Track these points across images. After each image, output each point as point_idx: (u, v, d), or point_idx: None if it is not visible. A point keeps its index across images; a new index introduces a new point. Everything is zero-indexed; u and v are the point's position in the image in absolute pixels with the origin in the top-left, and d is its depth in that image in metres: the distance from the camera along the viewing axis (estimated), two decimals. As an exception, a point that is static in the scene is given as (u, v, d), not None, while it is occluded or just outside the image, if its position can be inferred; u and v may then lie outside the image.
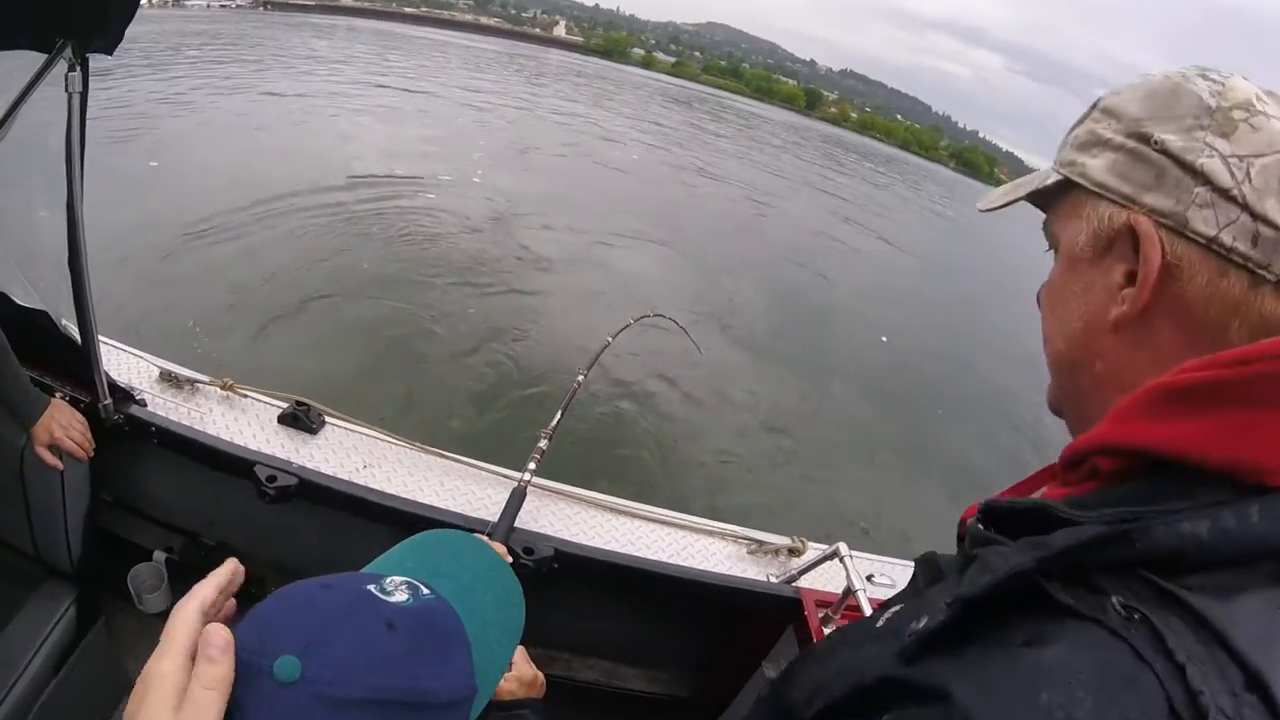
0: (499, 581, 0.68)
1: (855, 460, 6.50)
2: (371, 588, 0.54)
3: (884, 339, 9.71)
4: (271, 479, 1.63)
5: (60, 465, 1.53)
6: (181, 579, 2.09)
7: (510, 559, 1.45)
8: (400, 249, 7.77)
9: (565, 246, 9.33)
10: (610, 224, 10.88)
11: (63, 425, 1.52)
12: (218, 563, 1.81)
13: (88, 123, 1.34)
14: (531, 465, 1.72)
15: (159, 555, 2.06)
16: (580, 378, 1.98)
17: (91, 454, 1.58)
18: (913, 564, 1.92)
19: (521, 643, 1.14)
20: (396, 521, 1.66)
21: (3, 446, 1.54)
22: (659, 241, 10.78)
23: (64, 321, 1.60)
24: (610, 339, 2.15)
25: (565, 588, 1.77)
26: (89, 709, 1.73)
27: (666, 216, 12.51)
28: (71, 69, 1.26)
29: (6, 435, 1.53)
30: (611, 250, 9.83)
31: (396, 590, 0.55)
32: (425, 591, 0.58)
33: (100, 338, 1.62)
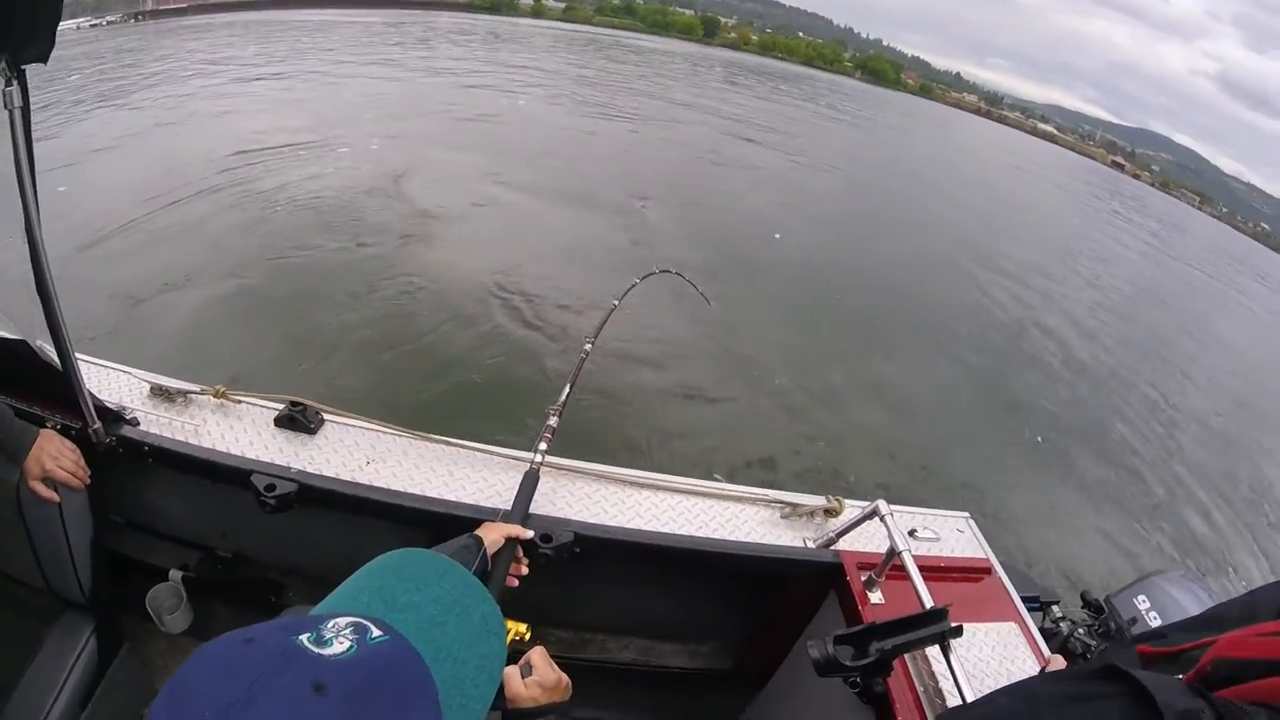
0: (473, 610, 0.60)
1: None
2: (303, 638, 0.46)
3: (777, 235, 11.27)
4: (270, 488, 1.56)
5: (56, 497, 1.48)
6: (201, 595, 2.05)
7: (526, 535, 1.38)
8: (306, 230, 7.69)
9: (465, 197, 9.50)
10: (515, 172, 10.89)
11: (53, 456, 1.46)
12: (236, 575, 1.77)
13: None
14: (542, 445, 1.63)
15: (175, 574, 2.02)
16: (587, 346, 1.88)
17: (87, 481, 1.53)
18: (962, 518, 1.77)
19: (551, 628, 1.06)
20: (405, 518, 1.60)
21: None
22: (554, 184, 10.88)
23: (45, 348, 1.53)
24: (616, 301, 2.04)
25: (592, 569, 1.70)
26: None
27: (571, 159, 12.75)
28: (9, 84, 1.18)
29: (0, 473, 1.47)
30: (516, 195, 9.97)
31: (337, 638, 0.47)
32: (375, 634, 0.49)
33: (85, 358, 1.57)
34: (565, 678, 1.04)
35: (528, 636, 1.08)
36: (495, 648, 0.59)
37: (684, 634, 2.22)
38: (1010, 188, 31.31)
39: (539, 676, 1.01)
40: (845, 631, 1.35)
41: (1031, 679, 1.15)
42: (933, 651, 1.49)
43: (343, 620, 0.50)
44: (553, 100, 18.36)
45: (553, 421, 1.67)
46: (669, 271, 2.27)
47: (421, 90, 16.30)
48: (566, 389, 1.74)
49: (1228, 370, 12.94)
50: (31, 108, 1.24)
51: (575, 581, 1.90)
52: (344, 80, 15.67)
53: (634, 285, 2.12)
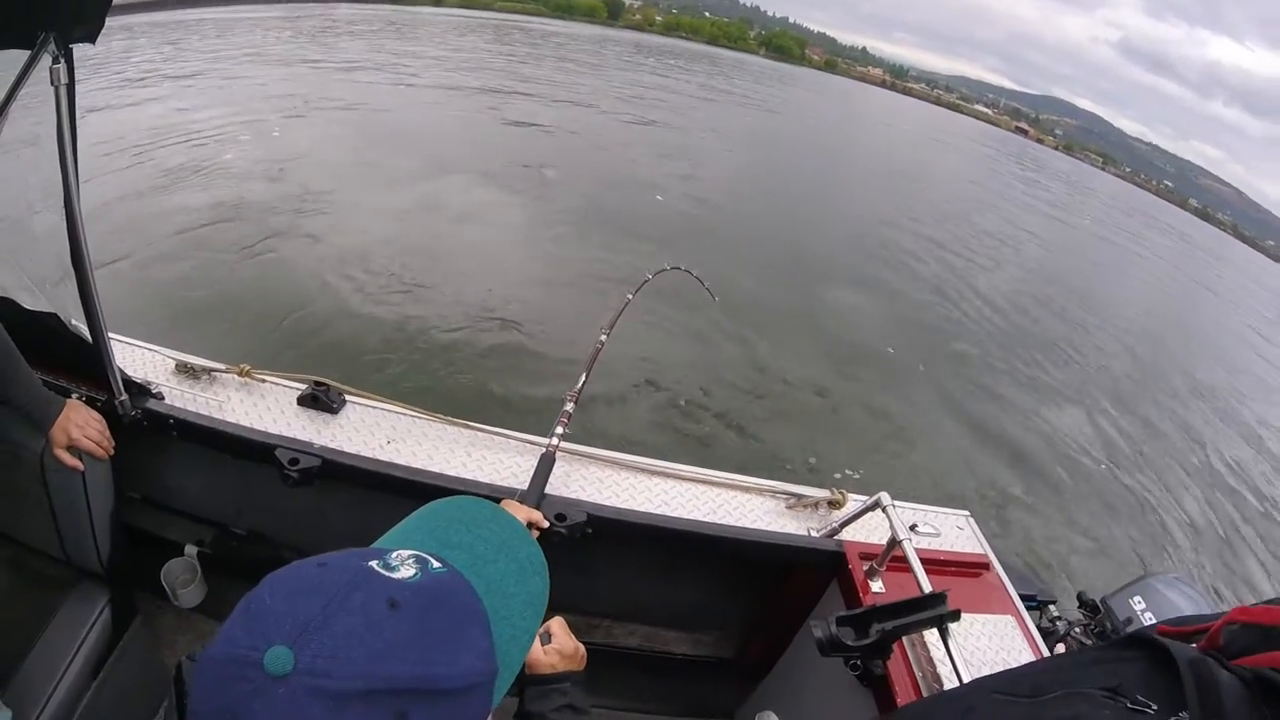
0: (519, 549, 0.62)
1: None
2: (373, 563, 0.48)
3: (659, 197, 11.70)
4: (294, 462, 1.60)
5: (80, 466, 1.51)
6: (215, 571, 2.08)
7: (545, 524, 1.42)
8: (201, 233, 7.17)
9: (365, 190, 9.19)
10: (417, 164, 10.64)
11: (79, 425, 1.49)
12: (250, 553, 1.80)
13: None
14: (559, 429, 1.67)
15: (190, 549, 2.05)
16: (603, 337, 1.92)
17: (111, 452, 1.56)
18: (962, 516, 1.82)
19: (559, 611, 1.10)
20: (425, 495, 1.62)
21: (22, 452, 1.51)
22: (459, 170, 10.73)
23: (74, 322, 1.57)
24: (630, 296, 2.09)
25: (601, 554, 1.74)
26: (133, 708, 1.72)
27: (477, 146, 12.59)
28: (56, 62, 1.22)
29: (25, 440, 1.50)
30: (431, 184, 9.81)
31: (402, 565, 0.49)
32: (436, 565, 0.52)
33: (112, 334, 1.59)
34: (582, 647, 1.07)
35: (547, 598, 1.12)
36: (540, 586, 0.62)
37: (688, 622, 2.25)
38: (914, 156, 32.47)
39: (558, 644, 1.04)
40: (847, 613, 1.39)
41: (1061, 654, 1.21)
42: (931, 638, 1.52)
43: (405, 552, 0.52)
44: (453, 88, 17.75)
45: (569, 407, 1.71)
46: (679, 269, 2.31)
47: (328, 83, 15.57)
48: (583, 377, 1.78)
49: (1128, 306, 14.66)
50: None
51: (584, 566, 1.94)
52: (246, 78, 14.64)
53: (647, 280, 2.17)
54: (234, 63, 15.86)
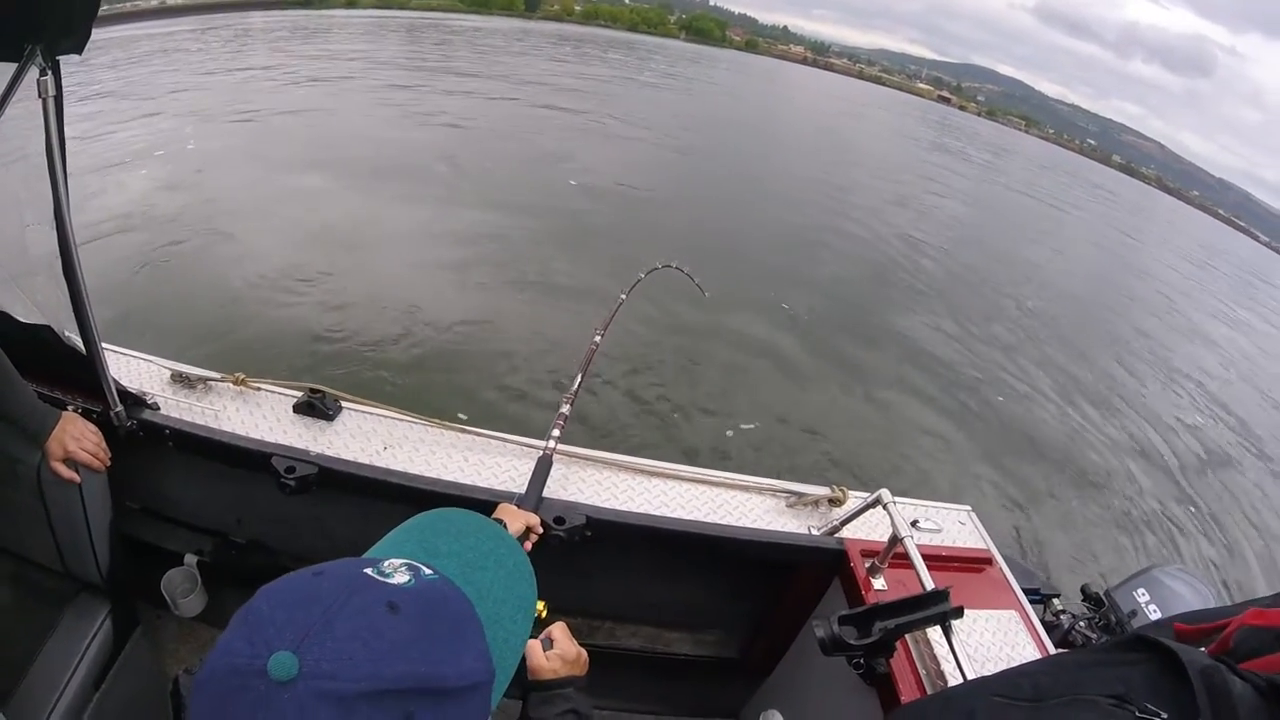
0: (506, 558, 0.63)
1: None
2: (368, 570, 0.49)
3: (571, 182, 11.73)
4: (290, 470, 1.60)
5: (77, 478, 1.50)
6: (215, 580, 2.08)
7: (541, 529, 1.42)
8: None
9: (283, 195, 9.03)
10: (340, 167, 10.35)
11: (75, 437, 1.48)
12: (250, 561, 1.80)
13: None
14: (555, 432, 1.67)
15: (190, 559, 2.05)
16: (597, 338, 1.92)
17: (108, 464, 1.55)
18: (964, 511, 1.82)
19: (560, 614, 1.09)
20: (423, 501, 1.62)
21: (19, 465, 1.51)
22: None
23: (67, 333, 1.56)
24: (624, 295, 2.09)
25: (601, 556, 1.73)
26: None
27: (403, 150, 12.25)
28: (43, 74, 1.21)
29: (21, 454, 1.50)
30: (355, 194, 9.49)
31: (396, 572, 0.50)
32: (427, 572, 0.52)
33: (106, 345, 1.59)
34: (584, 653, 1.07)
35: (545, 613, 1.11)
36: (528, 591, 0.63)
37: (690, 622, 2.24)
38: (838, 127, 33.32)
39: (560, 650, 1.04)
40: (850, 611, 1.38)
41: (1061, 653, 1.20)
42: (934, 635, 1.52)
43: (397, 560, 0.52)
44: (369, 90, 17.14)
45: (565, 409, 1.71)
46: (670, 266, 2.32)
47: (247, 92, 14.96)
48: (578, 378, 1.78)
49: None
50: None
51: (585, 568, 1.93)
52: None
53: (639, 280, 2.17)
54: (150, 75, 15.49)
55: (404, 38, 30.74)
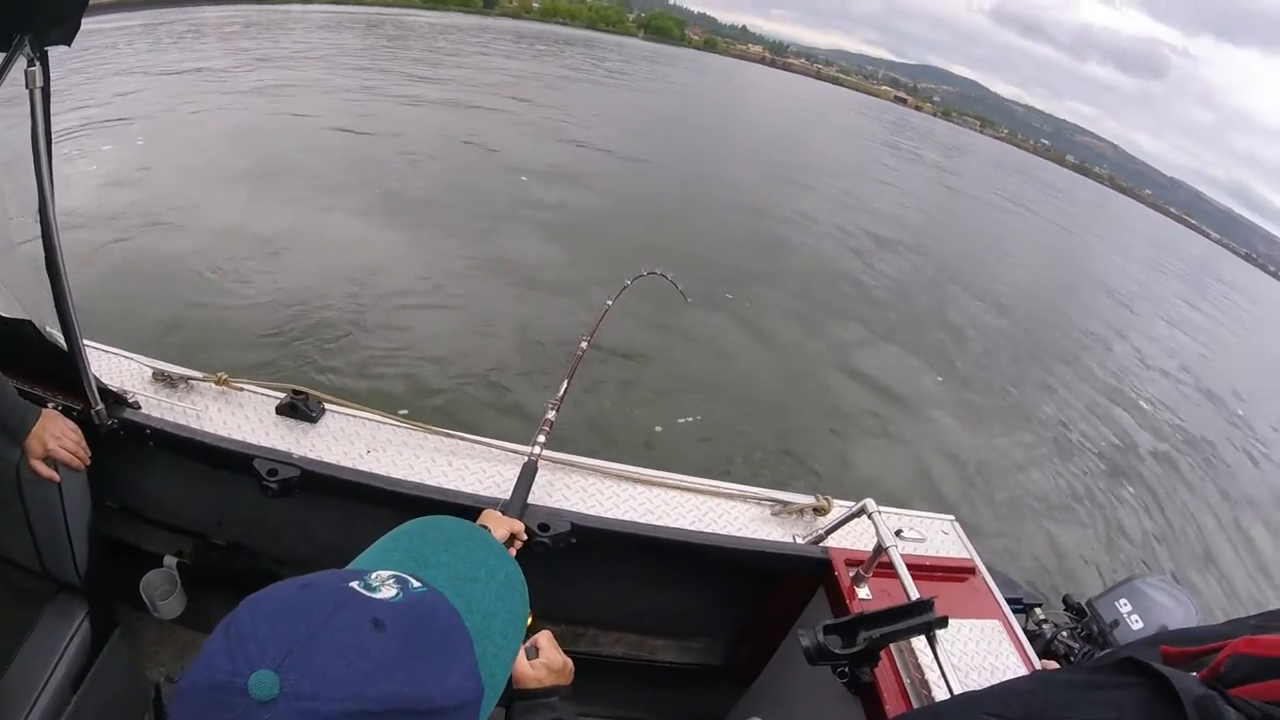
0: (498, 568, 0.62)
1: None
2: (354, 584, 0.48)
3: (523, 178, 11.71)
4: (273, 473, 1.58)
5: (56, 477, 1.48)
6: (195, 582, 2.06)
7: (526, 536, 1.41)
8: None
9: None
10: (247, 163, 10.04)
11: (55, 435, 1.47)
12: (231, 563, 1.78)
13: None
14: (540, 438, 1.66)
15: (170, 560, 2.03)
16: (584, 344, 1.92)
17: (88, 462, 1.53)
18: (947, 521, 1.83)
19: (545, 621, 1.09)
20: (407, 506, 1.61)
21: None
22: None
23: (49, 329, 1.54)
24: (610, 302, 2.09)
25: (586, 562, 1.73)
26: None
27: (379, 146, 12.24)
28: (31, 64, 1.20)
29: (0, 451, 1.48)
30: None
31: (383, 585, 0.49)
32: (416, 584, 0.51)
33: (88, 342, 1.57)
34: (569, 661, 1.06)
35: (530, 621, 1.11)
36: (520, 604, 0.62)
37: (675, 629, 2.24)
38: (796, 128, 33.85)
39: (546, 659, 1.03)
40: (835, 621, 1.38)
41: (1050, 671, 1.20)
42: (919, 644, 1.52)
43: (384, 573, 0.51)
44: (327, 93, 16.51)
45: (551, 415, 1.70)
46: (654, 273, 2.34)
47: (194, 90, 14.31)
48: (564, 384, 1.77)
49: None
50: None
51: (569, 575, 1.92)
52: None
53: (625, 286, 2.18)
54: (98, 68, 14.78)
55: (361, 33, 30.33)
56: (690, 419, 5.77)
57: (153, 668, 2.02)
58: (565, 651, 1.08)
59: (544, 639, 1.06)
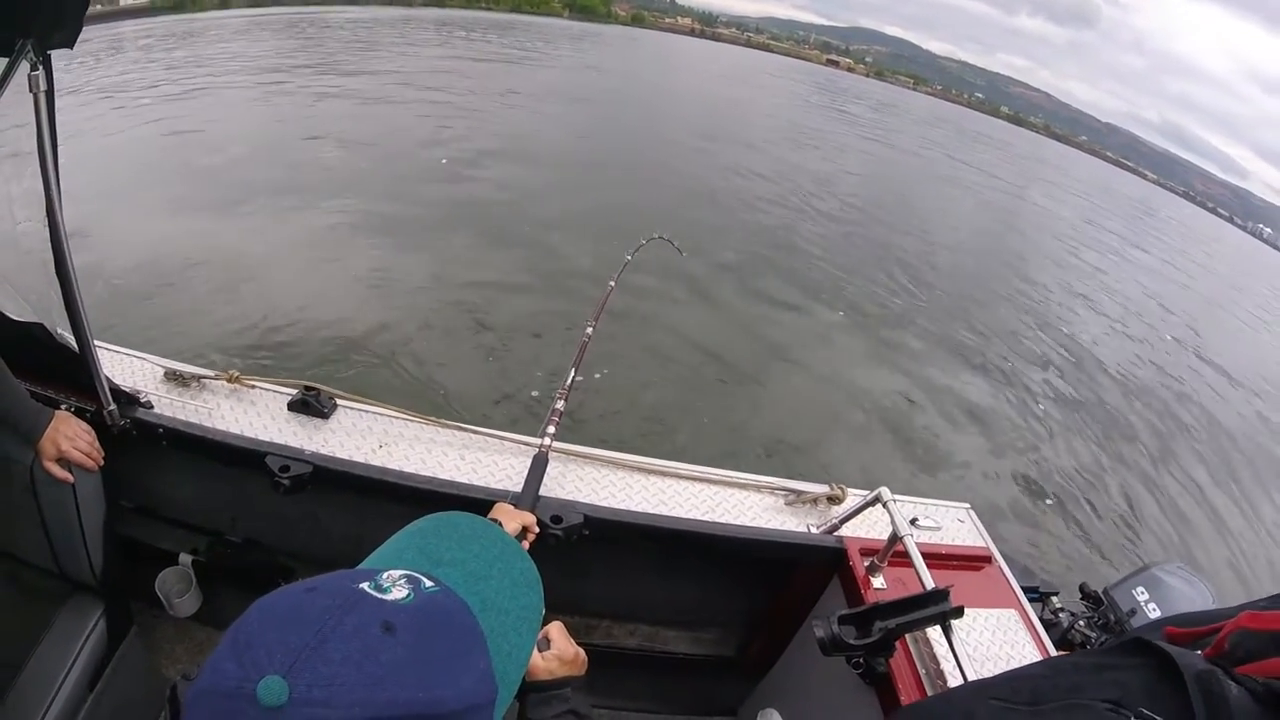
0: (512, 565, 0.61)
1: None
2: (364, 585, 0.47)
3: (443, 160, 11.62)
4: (285, 469, 1.58)
5: (70, 478, 1.49)
6: (210, 580, 2.07)
7: (538, 529, 1.40)
8: None
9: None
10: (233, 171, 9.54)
11: (68, 437, 1.48)
12: (245, 560, 1.78)
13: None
14: (550, 429, 1.66)
15: (185, 558, 2.03)
16: (589, 329, 1.90)
17: (101, 463, 1.54)
18: (963, 509, 1.80)
19: (557, 613, 1.08)
20: (419, 500, 1.62)
21: (12, 466, 1.50)
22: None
23: (60, 331, 1.55)
24: (613, 282, 2.08)
25: (599, 554, 1.72)
26: None
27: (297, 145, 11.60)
28: (34, 68, 1.20)
29: (14, 453, 1.49)
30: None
31: (394, 586, 0.48)
32: (428, 584, 0.50)
33: (99, 343, 1.58)
34: (581, 652, 1.06)
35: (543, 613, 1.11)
36: (534, 600, 0.61)
37: (688, 621, 2.23)
38: (727, 95, 34.22)
39: (558, 650, 1.02)
40: (849, 611, 1.37)
41: (1059, 656, 1.19)
42: (934, 634, 1.50)
43: (396, 572, 0.50)
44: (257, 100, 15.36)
45: (559, 405, 1.69)
46: (655, 238, 2.33)
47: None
48: (571, 372, 1.76)
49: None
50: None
51: (583, 567, 1.92)
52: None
53: (626, 262, 2.16)
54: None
55: (280, 34, 28.94)
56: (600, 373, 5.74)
57: (169, 665, 2.04)
58: (578, 643, 1.07)
59: (555, 630, 1.05)
